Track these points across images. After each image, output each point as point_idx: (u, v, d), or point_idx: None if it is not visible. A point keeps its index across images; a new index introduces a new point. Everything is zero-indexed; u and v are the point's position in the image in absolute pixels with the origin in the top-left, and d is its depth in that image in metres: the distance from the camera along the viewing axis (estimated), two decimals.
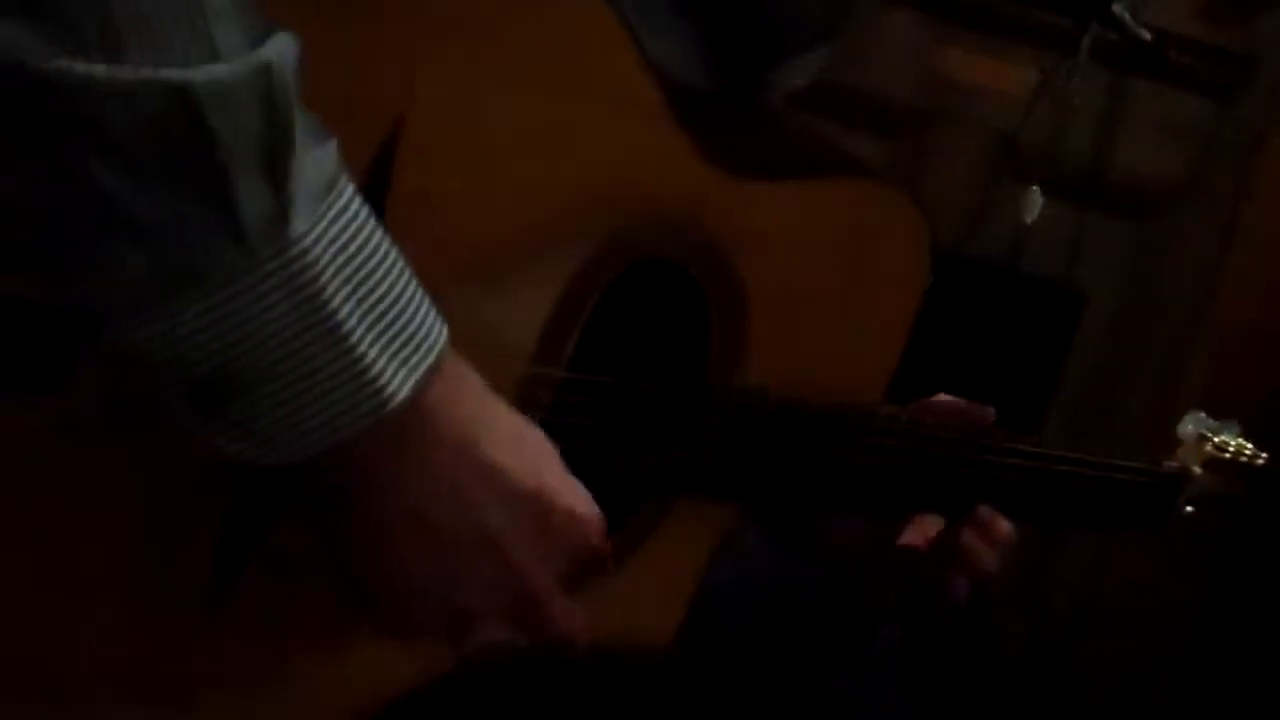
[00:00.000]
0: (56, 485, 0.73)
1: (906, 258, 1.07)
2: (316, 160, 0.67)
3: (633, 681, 0.96)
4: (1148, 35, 2.12)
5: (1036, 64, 2.25)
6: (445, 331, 0.71)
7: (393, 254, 0.69)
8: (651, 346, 0.98)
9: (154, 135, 0.62)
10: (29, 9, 0.61)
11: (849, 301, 1.05)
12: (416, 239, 0.72)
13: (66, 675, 0.77)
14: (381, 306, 0.68)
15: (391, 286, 0.69)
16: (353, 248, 0.67)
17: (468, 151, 0.80)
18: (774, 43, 1.08)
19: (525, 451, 0.78)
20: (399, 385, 0.69)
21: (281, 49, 0.65)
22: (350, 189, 0.68)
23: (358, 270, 0.67)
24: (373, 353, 0.68)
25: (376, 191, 0.74)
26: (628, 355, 0.96)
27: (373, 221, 0.68)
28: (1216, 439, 1.24)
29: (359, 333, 0.67)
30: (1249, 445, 1.24)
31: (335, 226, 0.67)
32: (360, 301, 0.67)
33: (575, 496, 0.80)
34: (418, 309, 0.70)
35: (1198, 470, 1.23)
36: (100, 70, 0.61)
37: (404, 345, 0.69)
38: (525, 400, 0.85)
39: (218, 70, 0.63)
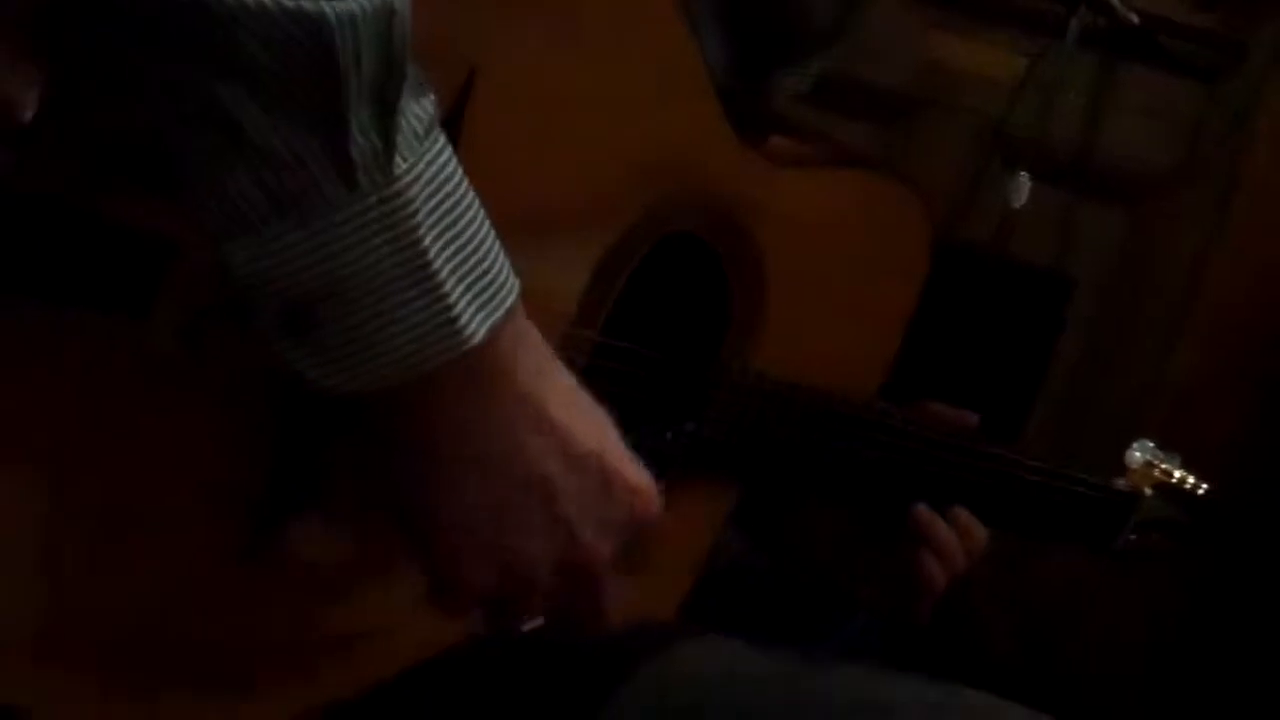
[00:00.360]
0: (122, 411, 0.76)
1: (909, 250, 1.11)
2: (419, 106, 0.70)
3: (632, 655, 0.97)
4: (1135, 19, 2.12)
5: (1024, 49, 2.25)
6: (518, 283, 0.74)
7: (475, 201, 0.72)
8: (674, 319, 1.01)
9: (285, 63, 0.65)
10: None
11: (854, 290, 1.09)
12: (481, 190, 0.74)
13: (120, 607, 0.79)
14: (466, 250, 0.71)
15: (475, 232, 0.72)
16: (444, 191, 0.71)
17: (532, 111, 0.84)
18: (786, 47, 1.13)
19: (583, 413, 0.80)
20: (476, 327, 0.71)
21: None
22: (443, 137, 0.71)
23: (448, 213, 0.71)
24: (456, 293, 0.70)
25: (450, 139, 0.76)
26: (652, 326, 0.99)
27: (460, 169, 0.72)
28: (1163, 466, 1.30)
29: (445, 272, 0.70)
30: (1191, 475, 1.30)
31: (431, 169, 0.70)
32: (448, 243, 0.70)
33: (635, 468, 0.82)
34: (496, 257, 0.73)
35: (1148, 493, 1.28)
36: None
37: (483, 290, 0.72)
38: (564, 361, 0.87)
39: (352, 5, 0.66)
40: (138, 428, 0.77)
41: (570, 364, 0.87)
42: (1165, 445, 1.31)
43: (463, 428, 0.75)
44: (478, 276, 0.72)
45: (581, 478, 0.79)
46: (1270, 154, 2.22)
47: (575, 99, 0.86)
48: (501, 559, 0.78)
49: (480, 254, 0.72)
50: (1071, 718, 0.95)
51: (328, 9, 0.65)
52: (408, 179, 0.69)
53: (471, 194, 0.72)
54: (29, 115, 0.69)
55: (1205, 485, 1.30)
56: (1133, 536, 1.28)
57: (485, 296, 0.72)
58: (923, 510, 1.16)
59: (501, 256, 0.73)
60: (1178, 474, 1.30)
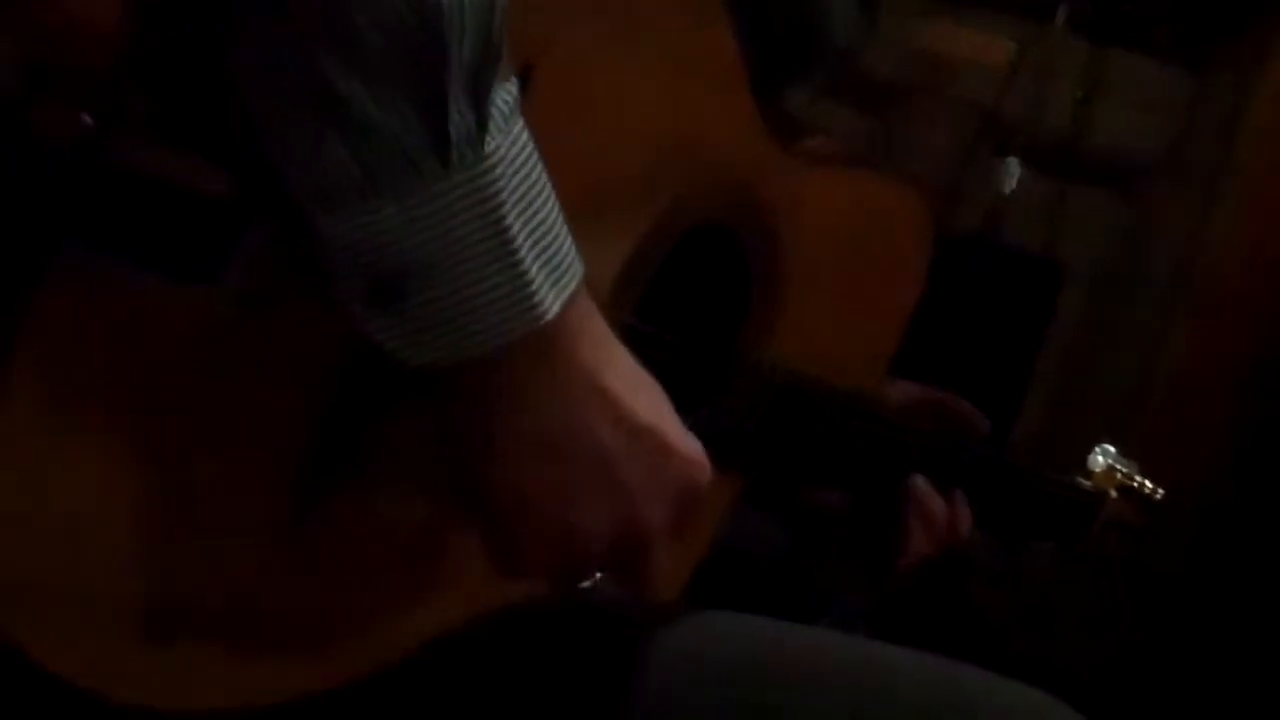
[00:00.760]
0: (181, 374, 0.78)
1: (914, 250, 1.15)
2: (505, 89, 0.73)
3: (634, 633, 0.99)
4: (1126, 4, 2.12)
5: (1014, 36, 2.25)
6: (582, 262, 0.76)
7: (548, 182, 0.75)
8: (698, 309, 1.05)
9: (392, 41, 0.68)
10: None
11: (863, 286, 1.13)
12: None
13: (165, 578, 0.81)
14: (542, 229, 0.74)
15: (550, 212, 0.75)
16: (524, 171, 0.73)
17: (581, 104, 0.87)
18: (804, 64, 1.18)
19: (642, 388, 0.82)
20: (551, 303, 0.74)
21: None
22: (522, 119, 0.74)
23: (528, 192, 0.73)
24: (534, 269, 0.73)
25: None
26: (677, 314, 1.02)
27: (537, 150, 0.74)
28: (1124, 470, 1.36)
29: (525, 249, 0.72)
30: (1149, 482, 1.37)
31: (514, 148, 0.73)
32: (527, 221, 0.73)
33: (689, 440, 0.84)
34: (565, 236, 0.75)
35: (1113, 494, 1.34)
36: None
37: (556, 267, 0.74)
38: None
39: None
40: (195, 392, 0.79)
41: None
42: (1126, 452, 1.37)
43: (530, 401, 0.77)
44: (552, 254, 0.74)
45: (641, 451, 0.81)
46: (1260, 139, 2.23)
47: (620, 93, 0.90)
48: (564, 531, 0.80)
49: (554, 232, 0.74)
50: (1065, 695, 0.95)
51: None
52: (496, 158, 0.71)
53: (545, 174, 0.74)
54: (110, 81, 0.72)
55: (1161, 490, 1.36)
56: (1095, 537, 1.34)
57: (558, 274, 0.74)
58: (920, 481, 1.20)
59: (568, 235, 0.75)
60: (1138, 478, 1.36)
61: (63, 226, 0.75)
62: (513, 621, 0.94)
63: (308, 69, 0.68)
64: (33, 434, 0.77)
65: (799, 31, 1.15)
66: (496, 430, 0.78)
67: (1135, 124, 2.31)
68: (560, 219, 0.75)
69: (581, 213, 0.86)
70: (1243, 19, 2.25)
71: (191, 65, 0.73)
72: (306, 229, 0.71)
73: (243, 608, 0.84)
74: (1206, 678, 2.14)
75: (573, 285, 0.75)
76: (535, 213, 0.73)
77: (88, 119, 0.73)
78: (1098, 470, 1.35)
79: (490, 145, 0.71)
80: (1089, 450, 1.36)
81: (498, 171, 0.72)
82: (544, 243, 0.74)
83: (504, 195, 0.72)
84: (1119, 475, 1.34)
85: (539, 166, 0.74)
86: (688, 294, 1.04)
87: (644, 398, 0.82)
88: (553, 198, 0.75)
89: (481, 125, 0.71)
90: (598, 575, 0.85)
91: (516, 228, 0.72)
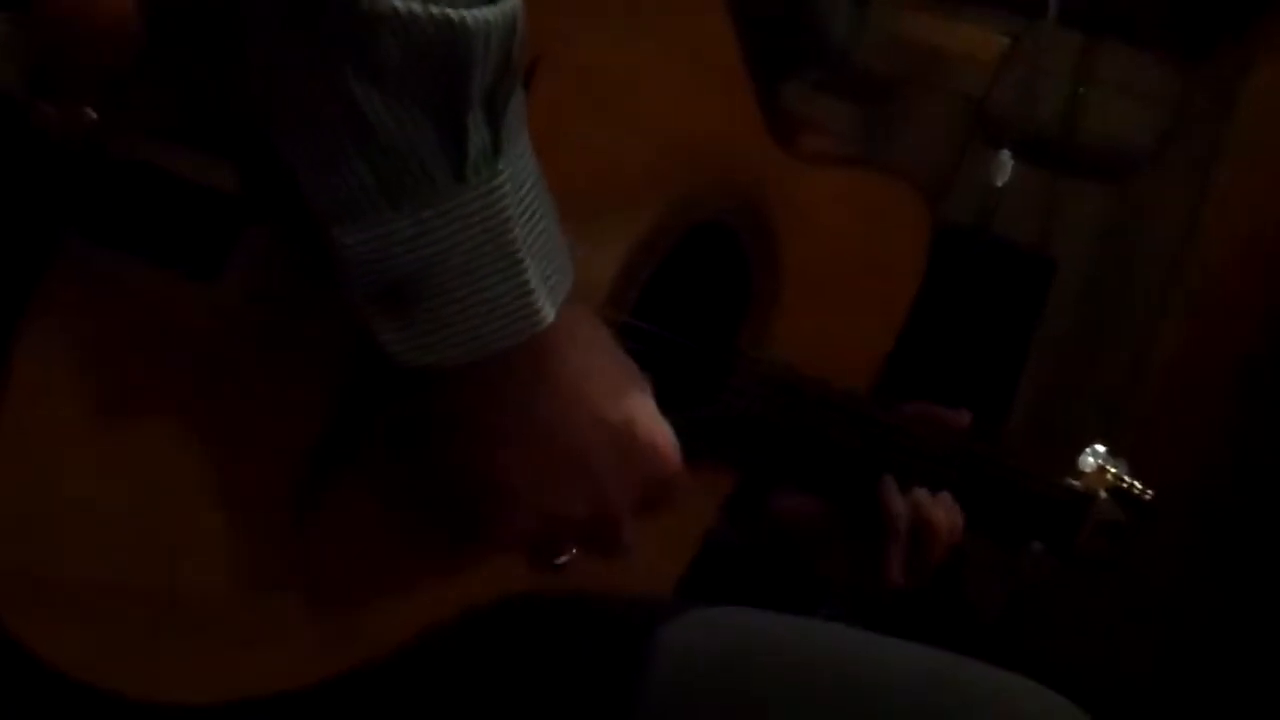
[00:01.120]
0: (185, 365, 0.80)
1: (910, 249, 1.17)
2: (515, 102, 0.75)
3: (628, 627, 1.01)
4: None
5: (1006, 28, 2.24)
6: (573, 265, 0.79)
7: (547, 190, 0.77)
8: (697, 306, 1.06)
9: (417, 61, 0.69)
10: None
11: (859, 286, 1.15)
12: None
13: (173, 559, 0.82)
14: (542, 237, 0.76)
15: (549, 220, 0.77)
16: (528, 183, 0.76)
17: (582, 100, 0.89)
18: (799, 61, 1.20)
19: (622, 385, 0.87)
20: (549, 308, 0.77)
21: (520, 1, 0.73)
22: (526, 131, 0.77)
23: (531, 203, 0.76)
24: (535, 278, 0.75)
25: None
26: (675, 312, 1.03)
27: (536, 161, 0.77)
28: (1113, 470, 1.36)
29: (527, 259, 0.75)
30: (1139, 482, 1.36)
31: (520, 163, 0.75)
32: (529, 231, 0.75)
33: (659, 429, 0.89)
34: (559, 241, 0.78)
35: (1103, 495, 1.34)
36: (385, 1, 0.68)
37: (552, 273, 0.77)
38: None
39: (488, 13, 0.70)
40: (197, 386, 0.80)
41: None
42: (1117, 449, 1.37)
43: (521, 399, 0.81)
44: (549, 260, 0.77)
45: (613, 443, 0.86)
46: (1253, 132, 2.23)
47: (622, 90, 0.91)
48: (541, 515, 0.86)
49: (550, 239, 0.77)
50: (1060, 688, 0.96)
51: (469, 17, 0.69)
52: (507, 173, 0.74)
53: (544, 183, 0.77)
54: (119, 79, 0.74)
55: (1151, 491, 1.36)
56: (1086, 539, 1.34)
57: (554, 279, 0.77)
58: (922, 494, 1.19)
59: (562, 240, 0.78)
60: (1128, 479, 1.35)
61: (65, 220, 0.76)
62: (506, 615, 0.96)
63: (334, 86, 0.69)
64: (34, 428, 0.77)
65: (799, 29, 1.16)
66: (488, 423, 0.82)
67: (1128, 117, 2.30)
68: (556, 224, 0.78)
69: (582, 210, 0.88)
70: (1235, 12, 2.25)
71: (201, 65, 0.73)
72: (319, 235, 0.73)
73: (244, 601, 0.84)
74: (1206, 678, 2.14)
75: (565, 289, 0.78)
76: (537, 222, 0.76)
77: (91, 113, 0.74)
78: (1088, 471, 1.35)
79: (503, 163, 0.74)
80: (1081, 446, 1.36)
81: (507, 187, 0.74)
82: (544, 250, 0.76)
83: (510, 208, 0.74)
84: (1109, 476, 1.34)
85: (539, 176, 0.77)
86: (687, 291, 1.04)
87: (623, 395, 0.87)
88: (551, 205, 0.78)
89: (496, 141, 0.73)
90: (573, 551, 0.90)
91: (520, 238, 0.75)
